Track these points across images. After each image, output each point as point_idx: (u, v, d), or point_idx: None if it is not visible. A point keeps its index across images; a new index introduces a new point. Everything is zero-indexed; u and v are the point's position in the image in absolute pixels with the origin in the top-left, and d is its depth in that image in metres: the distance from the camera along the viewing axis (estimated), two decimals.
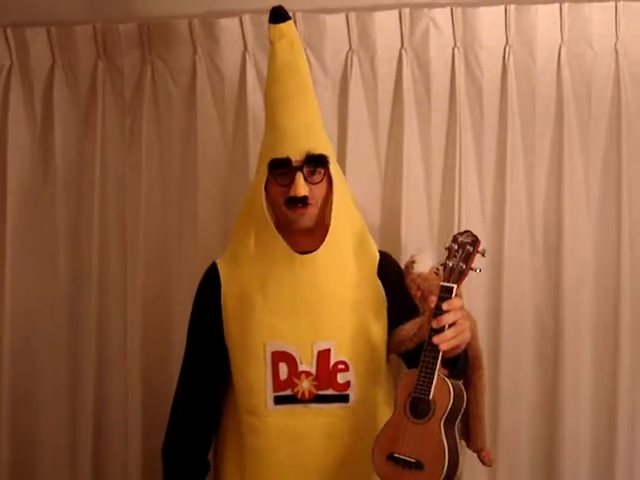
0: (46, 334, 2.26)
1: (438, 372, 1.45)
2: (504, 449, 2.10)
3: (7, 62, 2.25)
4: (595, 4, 2.07)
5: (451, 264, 1.47)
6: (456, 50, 2.10)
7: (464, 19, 2.09)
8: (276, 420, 1.60)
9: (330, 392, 1.58)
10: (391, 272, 1.71)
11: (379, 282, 1.66)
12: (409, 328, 1.63)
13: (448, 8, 2.09)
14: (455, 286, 1.46)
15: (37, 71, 2.24)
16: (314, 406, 1.59)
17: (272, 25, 1.70)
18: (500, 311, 2.10)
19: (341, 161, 2.14)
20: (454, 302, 1.44)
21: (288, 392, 1.59)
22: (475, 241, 1.48)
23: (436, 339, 1.42)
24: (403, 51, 2.11)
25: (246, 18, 2.13)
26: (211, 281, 1.69)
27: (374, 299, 1.64)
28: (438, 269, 1.60)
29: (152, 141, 2.21)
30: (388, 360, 1.70)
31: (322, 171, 1.63)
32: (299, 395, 1.59)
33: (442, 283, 1.47)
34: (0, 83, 2.25)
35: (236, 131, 2.18)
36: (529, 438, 2.13)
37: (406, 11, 2.09)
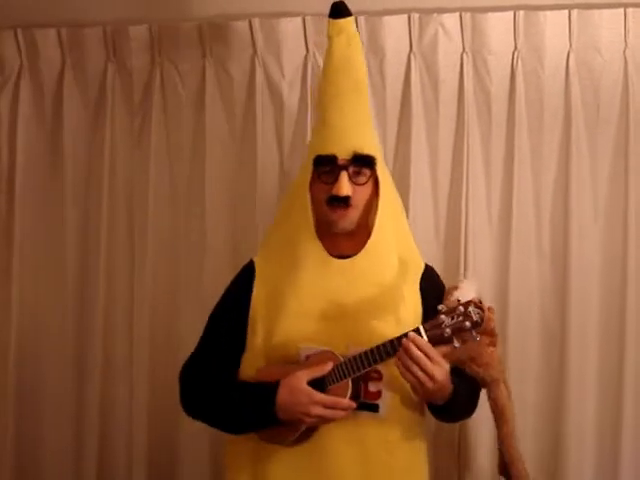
0: (53, 334, 2.27)
1: (361, 372, 1.45)
2: None
3: (17, 63, 2.27)
4: (604, 11, 2.07)
5: (442, 320, 1.41)
6: (465, 55, 2.11)
7: (473, 24, 2.09)
8: None
9: (360, 399, 1.52)
10: (433, 287, 1.66)
11: (419, 293, 1.62)
12: None
13: (457, 13, 2.10)
14: (425, 336, 1.41)
15: (47, 72, 2.26)
16: None
17: (332, 20, 1.66)
18: (507, 315, 2.09)
19: None
20: (421, 341, 1.41)
21: None
22: (475, 325, 1.39)
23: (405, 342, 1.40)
24: (412, 56, 2.12)
25: (256, 22, 2.14)
26: (246, 278, 1.66)
27: (414, 308, 1.60)
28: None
29: (161, 143, 2.22)
30: None
31: (368, 172, 1.59)
32: None
33: (422, 324, 1.43)
34: (10, 84, 2.28)
35: (244, 134, 2.19)
36: (535, 441, 2.12)
37: (415, 16, 2.10)
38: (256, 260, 1.70)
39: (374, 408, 1.53)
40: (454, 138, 2.13)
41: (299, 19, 2.12)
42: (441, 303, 1.54)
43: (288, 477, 1.54)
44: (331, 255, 1.61)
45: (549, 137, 2.11)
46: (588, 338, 2.10)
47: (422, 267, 1.68)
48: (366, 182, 1.59)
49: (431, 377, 1.41)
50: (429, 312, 1.56)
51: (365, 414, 1.52)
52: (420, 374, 1.41)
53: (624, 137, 2.09)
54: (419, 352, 1.40)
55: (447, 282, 2.10)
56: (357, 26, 2.07)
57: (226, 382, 1.59)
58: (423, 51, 2.12)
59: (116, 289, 2.25)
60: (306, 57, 2.15)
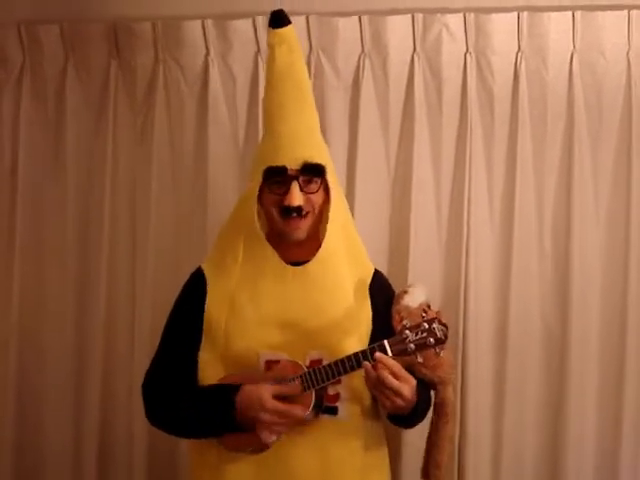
0: (54, 331, 2.27)
1: (325, 384, 1.47)
2: (509, 451, 2.12)
3: (20, 59, 2.26)
4: (608, 12, 2.08)
5: (407, 336, 1.44)
6: (468, 55, 2.11)
7: (477, 25, 2.09)
8: None
9: (322, 408, 1.54)
10: (382, 292, 1.67)
11: (369, 297, 1.63)
12: None
13: (461, 14, 2.10)
14: (389, 351, 1.43)
15: (50, 69, 2.25)
16: None
17: (272, 30, 1.65)
18: (507, 316, 2.11)
19: (351, 163, 2.16)
20: (389, 361, 1.43)
21: None
22: (439, 342, 1.42)
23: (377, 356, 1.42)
24: (415, 55, 2.12)
25: (259, 20, 2.14)
26: (197, 286, 1.65)
27: (364, 313, 1.61)
28: (425, 309, 1.52)
29: (163, 140, 2.22)
30: None
31: (319, 181, 1.59)
32: None
33: (387, 340, 1.45)
34: (13, 80, 2.27)
35: (247, 131, 2.19)
36: (534, 441, 2.14)
37: (419, 16, 2.10)
38: (204, 267, 1.69)
39: (333, 411, 1.55)
40: (457, 138, 2.14)
41: (302, 18, 2.12)
42: (390, 307, 1.62)
43: None
44: (284, 262, 1.62)
45: (552, 138, 2.12)
46: (589, 340, 2.11)
47: (371, 272, 1.69)
48: (317, 190, 1.60)
49: (399, 395, 1.43)
50: (380, 317, 1.60)
51: (324, 418, 1.54)
52: (389, 393, 1.43)
53: (627, 139, 2.10)
54: (386, 373, 1.42)
55: (449, 282, 2.14)
56: (360, 25, 2.11)
57: (187, 389, 1.59)
58: (427, 51, 2.12)
59: (118, 285, 2.25)
60: (309, 55, 2.14)
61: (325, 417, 1.54)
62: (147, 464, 2.22)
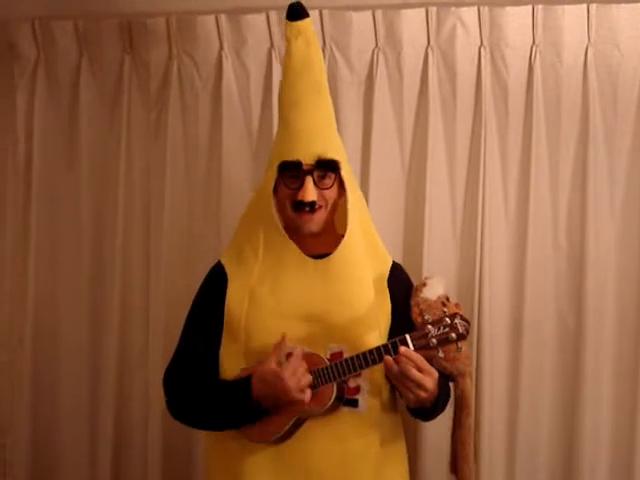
0: (69, 325, 2.29)
1: (346, 377, 1.48)
2: (523, 446, 2.12)
3: (34, 55, 2.26)
4: (623, 5, 2.07)
5: (429, 331, 1.44)
6: (482, 49, 2.11)
7: (491, 18, 2.09)
8: None
9: (344, 400, 1.55)
10: (400, 284, 1.68)
11: (388, 290, 1.64)
12: None
13: (475, 7, 2.09)
14: (411, 345, 1.44)
15: (64, 64, 2.26)
16: None
17: (289, 22, 1.65)
18: (522, 310, 2.10)
19: (365, 158, 2.16)
20: (412, 355, 1.43)
21: None
22: (461, 337, 1.43)
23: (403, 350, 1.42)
24: (429, 49, 2.12)
25: (273, 14, 2.14)
26: (217, 281, 1.66)
27: (384, 306, 1.62)
28: (445, 302, 1.55)
29: (177, 135, 2.22)
30: None
31: (332, 176, 1.60)
32: None
33: (409, 334, 1.45)
34: (27, 76, 2.28)
35: (261, 126, 2.19)
36: (549, 436, 2.14)
37: (433, 9, 2.10)
38: (224, 262, 1.69)
39: (353, 403, 1.56)
40: (471, 132, 2.13)
41: (316, 12, 2.11)
42: (409, 299, 1.63)
43: (270, 474, 1.56)
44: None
45: (566, 131, 2.11)
46: (604, 334, 2.11)
47: (390, 264, 1.69)
48: (331, 186, 1.60)
49: (423, 388, 1.43)
50: (399, 309, 1.61)
51: (344, 410, 1.55)
52: (412, 386, 1.43)
53: None
54: (410, 366, 1.42)
55: (464, 276, 2.14)
56: (374, 20, 2.11)
57: (209, 383, 1.60)
58: (441, 45, 2.12)
59: (132, 282, 2.26)
60: (323, 50, 2.13)
61: (345, 409, 1.55)
62: (162, 460, 2.23)
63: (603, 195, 2.11)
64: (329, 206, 1.61)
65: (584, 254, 2.09)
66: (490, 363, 2.10)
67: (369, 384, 1.57)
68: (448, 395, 1.64)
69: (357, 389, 1.56)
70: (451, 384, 1.67)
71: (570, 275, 2.12)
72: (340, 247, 1.60)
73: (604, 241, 2.11)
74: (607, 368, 2.11)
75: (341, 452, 1.55)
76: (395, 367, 1.43)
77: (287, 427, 1.52)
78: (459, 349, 1.45)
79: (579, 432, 2.09)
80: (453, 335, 1.43)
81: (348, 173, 1.66)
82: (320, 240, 1.63)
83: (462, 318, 1.44)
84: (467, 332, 1.43)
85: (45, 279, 2.29)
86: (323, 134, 1.63)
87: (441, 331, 1.44)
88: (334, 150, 1.62)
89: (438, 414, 1.62)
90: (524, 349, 2.10)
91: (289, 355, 1.51)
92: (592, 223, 2.09)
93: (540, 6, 2.07)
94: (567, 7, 2.07)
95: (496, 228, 2.13)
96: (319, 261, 1.61)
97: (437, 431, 2.06)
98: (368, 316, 1.58)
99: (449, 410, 1.68)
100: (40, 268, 2.28)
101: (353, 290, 1.60)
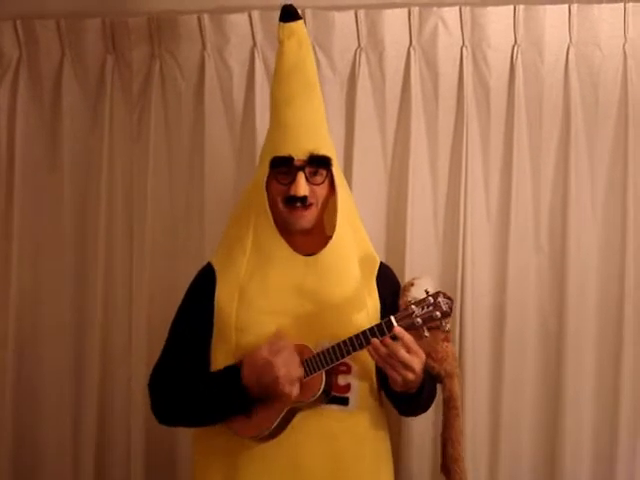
0: (51, 323, 2.28)
1: (334, 364, 1.48)
2: (505, 448, 2.12)
3: (16, 54, 2.26)
4: (604, 5, 2.08)
5: (413, 310, 1.44)
6: (464, 49, 2.11)
7: (473, 18, 2.09)
8: None
9: (331, 393, 1.55)
10: (388, 283, 1.69)
11: (377, 289, 1.64)
12: None
13: (457, 7, 2.10)
14: (395, 326, 1.43)
15: (46, 63, 2.25)
16: None
17: (282, 24, 1.68)
18: (504, 311, 2.11)
19: (348, 158, 2.16)
20: (405, 335, 1.43)
21: None
22: (445, 315, 1.42)
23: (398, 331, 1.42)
24: (411, 49, 2.12)
25: (255, 14, 2.14)
26: (206, 281, 1.66)
27: (373, 303, 1.62)
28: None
29: (160, 134, 2.22)
30: None
31: (324, 172, 1.61)
32: None
33: (393, 315, 1.45)
34: (9, 75, 2.27)
35: (244, 126, 2.19)
36: (530, 438, 2.14)
37: (415, 10, 2.10)
38: (214, 262, 1.69)
39: (344, 401, 1.56)
40: (453, 132, 2.13)
41: (299, 12, 2.11)
42: (397, 299, 1.65)
43: (259, 472, 1.56)
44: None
45: (548, 131, 2.12)
46: (586, 335, 2.11)
47: (377, 263, 1.70)
48: (322, 182, 1.61)
49: (410, 368, 1.43)
50: (387, 307, 1.61)
51: (335, 408, 1.55)
52: (399, 367, 1.43)
53: (623, 132, 2.10)
54: (399, 346, 1.42)
55: (446, 276, 2.14)
56: (357, 19, 2.11)
57: (198, 376, 1.59)
58: (423, 45, 2.12)
59: (115, 281, 2.26)
60: None
61: (335, 407, 1.55)
62: (145, 458, 2.22)
63: (585, 195, 2.11)
64: (320, 204, 1.62)
65: (565, 255, 2.10)
66: (472, 363, 2.10)
67: (360, 382, 1.57)
68: (433, 392, 1.64)
69: (347, 387, 1.56)
70: (439, 386, 1.67)
71: (551, 276, 2.13)
72: (330, 244, 1.60)
73: (585, 242, 2.11)
74: (589, 369, 2.11)
75: (332, 450, 1.55)
76: (383, 349, 1.43)
77: (277, 421, 1.51)
78: (444, 329, 1.44)
79: (561, 433, 2.10)
80: (437, 313, 1.42)
81: (339, 171, 1.67)
82: (309, 240, 1.63)
83: (445, 296, 1.43)
84: (451, 309, 1.43)
85: (27, 279, 2.28)
86: (315, 131, 1.64)
87: (425, 310, 1.43)
88: (326, 147, 1.63)
89: (422, 407, 1.62)
90: (506, 349, 2.10)
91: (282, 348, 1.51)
92: (574, 223, 2.10)
93: (521, 6, 2.08)
94: (548, 7, 2.08)
95: (478, 229, 2.13)
96: (309, 258, 1.61)
97: (420, 431, 2.08)
98: (357, 313, 1.58)
99: (432, 411, 1.69)
100: (22, 268, 2.27)
101: (343, 287, 1.60)
